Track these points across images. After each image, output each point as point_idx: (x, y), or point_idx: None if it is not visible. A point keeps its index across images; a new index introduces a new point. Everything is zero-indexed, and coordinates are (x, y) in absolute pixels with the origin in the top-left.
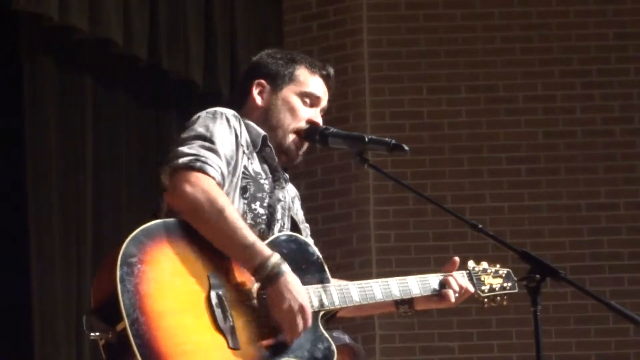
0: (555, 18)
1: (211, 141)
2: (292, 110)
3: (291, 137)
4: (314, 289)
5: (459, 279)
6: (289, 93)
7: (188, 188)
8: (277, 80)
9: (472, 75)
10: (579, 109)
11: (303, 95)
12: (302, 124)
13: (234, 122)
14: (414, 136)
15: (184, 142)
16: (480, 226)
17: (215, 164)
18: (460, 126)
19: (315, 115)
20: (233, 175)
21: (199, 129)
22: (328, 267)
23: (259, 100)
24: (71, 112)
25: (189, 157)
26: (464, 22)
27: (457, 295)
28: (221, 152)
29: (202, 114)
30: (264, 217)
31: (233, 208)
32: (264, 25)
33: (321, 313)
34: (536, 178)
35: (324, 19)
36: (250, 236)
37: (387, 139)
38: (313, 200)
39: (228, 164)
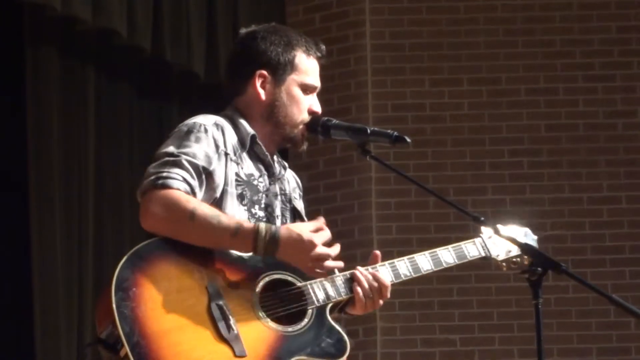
0: (558, 11)
1: (177, 155)
2: (297, 104)
3: (300, 129)
4: (319, 282)
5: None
6: (292, 85)
7: (152, 208)
8: (279, 70)
9: (475, 68)
10: (581, 102)
11: (304, 86)
12: (307, 116)
13: (214, 131)
14: (416, 128)
15: (154, 159)
16: (482, 219)
17: (179, 176)
18: (463, 119)
19: (315, 103)
20: (210, 184)
21: (170, 145)
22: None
23: (262, 94)
24: (74, 103)
25: (152, 177)
26: (467, 14)
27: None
28: (186, 164)
29: (181, 125)
30: (264, 219)
31: (203, 206)
32: (267, 17)
33: (329, 306)
34: (538, 171)
35: (326, 10)
36: (231, 223)
37: (389, 130)
38: (315, 192)
39: (199, 174)
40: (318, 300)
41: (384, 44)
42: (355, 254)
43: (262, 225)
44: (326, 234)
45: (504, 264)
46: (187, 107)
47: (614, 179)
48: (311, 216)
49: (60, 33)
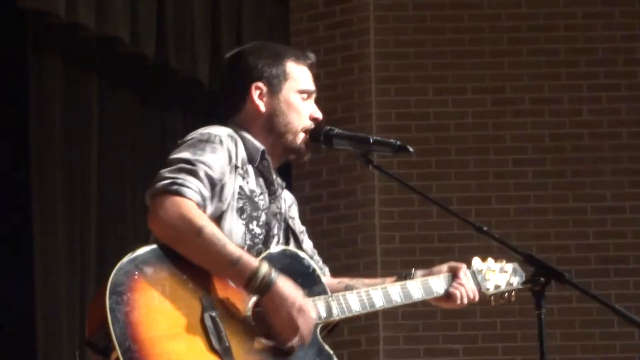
0: (562, 20)
1: (193, 164)
2: (296, 111)
3: (301, 136)
4: (311, 301)
5: (466, 283)
6: (289, 93)
7: (163, 214)
8: (273, 81)
9: (479, 77)
10: (585, 111)
11: (301, 92)
12: (308, 122)
13: (228, 142)
14: (420, 137)
15: (168, 164)
16: (486, 228)
17: (194, 186)
18: (467, 128)
19: (314, 109)
20: (220, 197)
21: (185, 152)
22: (332, 269)
23: (261, 106)
24: (77, 110)
25: (167, 180)
26: (471, 23)
27: (464, 298)
28: (202, 174)
29: (195, 134)
30: (261, 237)
31: (212, 227)
32: (271, 25)
33: (320, 326)
34: (542, 180)
35: (330, 19)
36: (235, 251)
37: (392, 140)
38: (318, 201)
39: (213, 185)
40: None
41: (388, 52)
42: (358, 263)
43: (264, 267)
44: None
45: (492, 297)
46: (191, 114)
47: (618, 188)
48: (314, 224)
49: (64, 40)
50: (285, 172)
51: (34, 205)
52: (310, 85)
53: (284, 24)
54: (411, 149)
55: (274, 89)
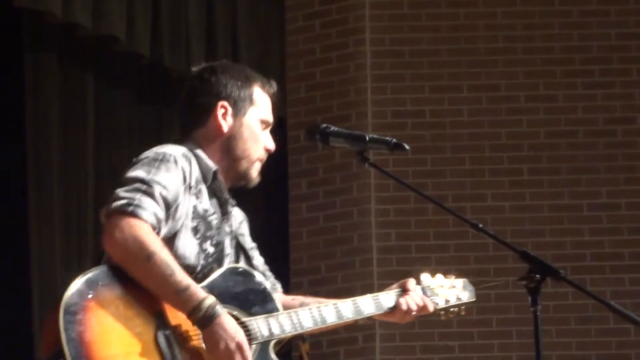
0: (558, 18)
1: (149, 184)
2: (256, 140)
3: (256, 165)
4: (263, 319)
5: (415, 296)
6: (251, 119)
7: (117, 233)
8: (239, 103)
9: (474, 75)
10: (580, 109)
11: (262, 121)
12: (263, 153)
13: (182, 162)
14: (416, 135)
15: (124, 183)
16: (481, 226)
17: (150, 208)
18: (462, 125)
19: (270, 141)
20: (174, 217)
21: (141, 170)
22: (328, 266)
23: (224, 125)
24: (73, 109)
25: (123, 200)
26: (467, 21)
27: (413, 312)
28: (157, 195)
29: (150, 153)
30: (215, 256)
31: (165, 252)
32: (266, 23)
33: (272, 342)
34: (538, 178)
35: (326, 17)
36: (184, 280)
37: (388, 138)
38: (314, 199)
39: (168, 207)
40: (262, 336)
41: (384, 50)
42: (354, 260)
43: (210, 300)
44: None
45: (442, 312)
46: None
47: (614, 185)
48: (310, 222)
49: (60, 39)
50: (281, 170)
51: (31, 204)
52: (270, 117)
53: (279, 22)
54: (407, 147)
55: (238, 112)
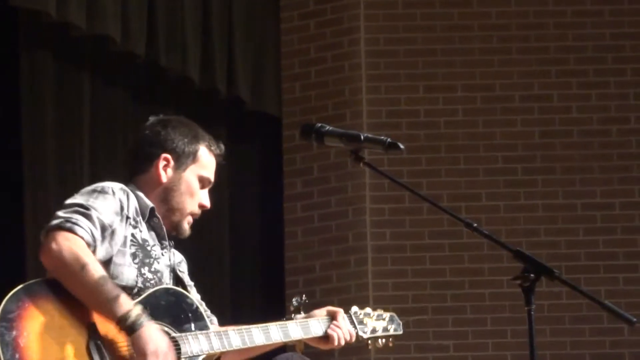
0: (552, 18)
1: (87, 208)
2: (192, 195)
3: (188, 219)
4: (193, 336)
5: (342, 325)
6: (191, 175)
7: (54, 246)
8: (182, 158)
9: (469, 74)
10: (575, 109)
11: (202, 178)
12: (196, 209)
13: (120, 194)
14: (411, 134)
15: (63, 207)
16: (476, 225)
17: (86, 226)
18: (457, 125)
19: (206, 199)
20: (111, 242)
21: (80, 199)
22: (323, 265)
23: (163, 176)
24: (68, 109)
25: (61, 219)
26: (461, 21)
27: (341, 340)
28: (95, 218)
29: (89, 187)
30: (153, 282)
31: (97, 266)
32: (261, 23)
33: (201, 357)
34: (532, 177)
35: (321, 17)
36: (115, 290)
37: (382, 137)
38: (309, 198)
39: (104, 229)
40: (192, 352)
41: (379, 50)
42: (349, 259)
43: (137, 309)
44: None
45: (369, 341)
46: (182, 112)
47: (608, 185)
48: (305, 222)
49: (55, 39)
50: (276, 170)
51: (27, 203)
52: (212, 176)
53: (274, 22)
54: (402, 146)
55: (179, 166)
